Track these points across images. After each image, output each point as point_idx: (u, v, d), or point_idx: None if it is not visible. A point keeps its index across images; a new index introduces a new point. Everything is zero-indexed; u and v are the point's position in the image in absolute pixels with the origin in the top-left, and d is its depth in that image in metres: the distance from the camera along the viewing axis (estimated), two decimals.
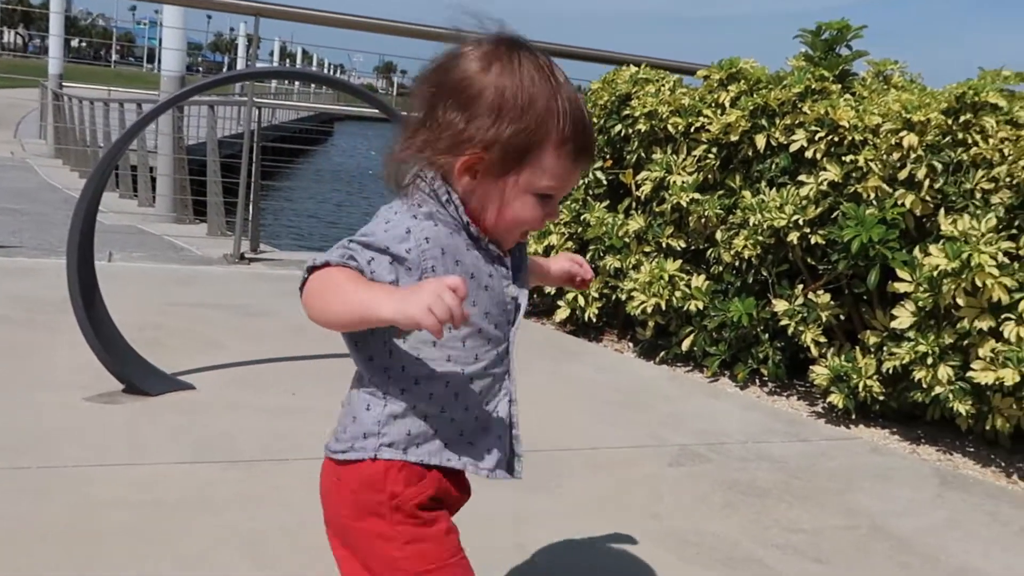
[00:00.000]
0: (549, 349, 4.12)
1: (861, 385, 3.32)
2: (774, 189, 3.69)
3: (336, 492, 1.26)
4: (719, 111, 4.00)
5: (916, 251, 3.21)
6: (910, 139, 3.26)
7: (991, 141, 3.19)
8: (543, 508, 2.44)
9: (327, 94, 33.21)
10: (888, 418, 3.48)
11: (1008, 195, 3.12)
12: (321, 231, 14.20)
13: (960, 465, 3.17)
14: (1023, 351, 2.87)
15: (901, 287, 3.19)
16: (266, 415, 2.94)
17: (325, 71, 40.29)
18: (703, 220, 3.92)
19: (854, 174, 3.43)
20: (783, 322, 3.56)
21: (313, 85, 35.56)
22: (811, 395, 3.73)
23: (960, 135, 3.24)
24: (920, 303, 3.12)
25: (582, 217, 4.38)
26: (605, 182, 4.51)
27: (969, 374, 3.00)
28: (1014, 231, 3.08)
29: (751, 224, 3.63)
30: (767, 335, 3.72)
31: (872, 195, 3.34)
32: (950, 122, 3.26)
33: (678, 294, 3.87)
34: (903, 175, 3.29)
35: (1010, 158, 3.12)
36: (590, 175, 4.44)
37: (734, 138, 3.85)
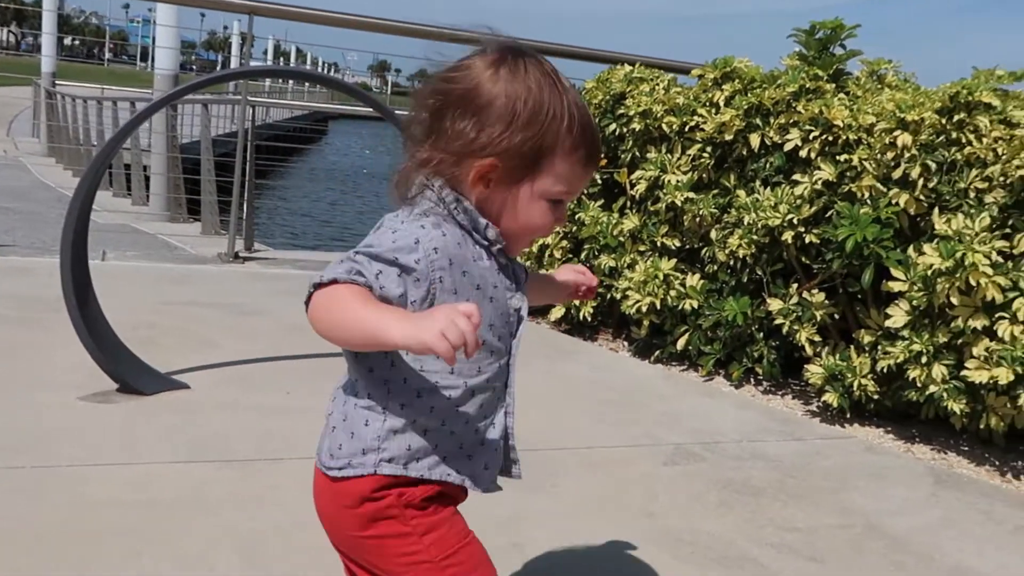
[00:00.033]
0: (544, 348, 4.12)
1: (856, 384, 3.33)
2: (768, 188, 3.69)
3: (338, 513, 1.23)
4: (713, 110, 4.01)
5: (910, 250, 3.21)
6: (904, 138, 3.27)
7: (985, 140, 3.19)
8: (539, 507, 2.44)
9: (321, 93, 33.16)
10: (883, 417, 3.49)
11: (1002, 194, 3.13)
12: (315, 230, 14.19)
13: (954, 464, 3.18)
14: (1017, 350, 2.88)
15: (895, 286, 3.19)
16: (260, 414, 2.94)
17: (319, 70, 40.21)
18: (698, 219, 3.93)
19: (848, 173, 3.43)
20: (778, 321, 3.57)
21: (307, 84, 35.52)
22: (806, 394, 3.73)
23: (954, 134, 3.24)
24: (914, 302, 3.13)
25: (577, 216, 4.38)
26: (600, 181, 4.51)
27: (963, 373, 3.01)
28: (1008, 230, 3.09)
29: (746, 223, 3.64)
30: (762, 334, 3.73)
31: (866, 194, 3.34)
32: (944, 121, 3.26)
33: (673, 293, 3.88)
34: (897, 174, 3.29)
35: (1004, 157, 3.13)
36: None
37: (728, 137, 3.85)
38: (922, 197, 3.27)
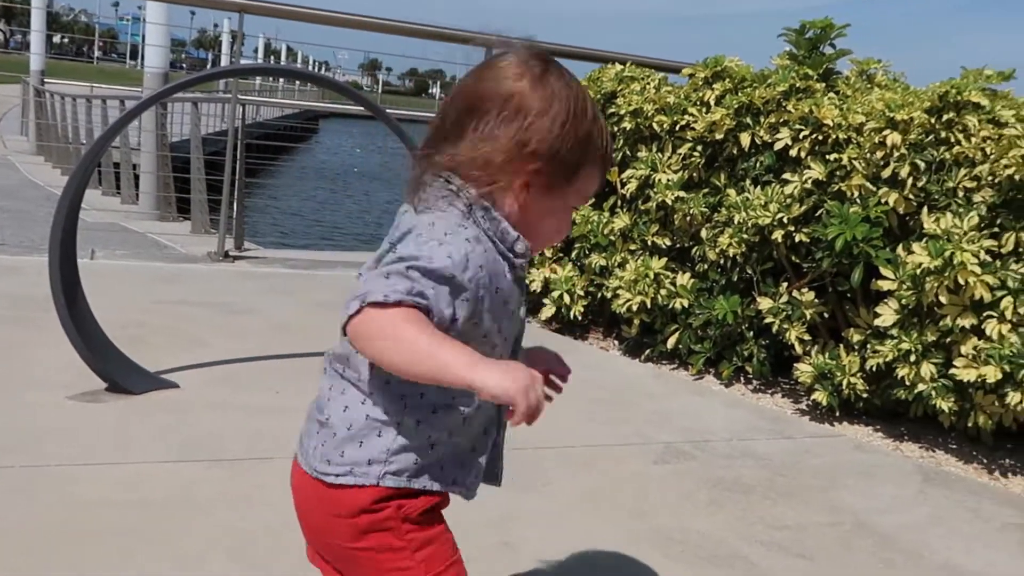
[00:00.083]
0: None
1: (845, 382, 3.34)
2: (759, 187, 3.70)
3: (327, 521, 1.20)
4: (704, 109, 4.01)
5: (899, 249, 3.23)
6: (893, 138, 3.28)
7: (973, 140, 3.21)
8: (530, 507, 2.44)
9: (312, 91, 33.08)
10: (872, 415, 3.50)
11: (990, 194, 3.15)
12: (305, 229, 14.15)
13: (943, 462, 3.19)
14: (1005, 348, 2.90)
15: (885, 285, 3.21)
16: (249, 413, 2.93)
17: (310, 68, 40.12)
18: (688, 218, 3.94)
19: (838, 172, 3.44)
20: (768, 320, 3.58)
21: (298, 82, 35.42)
22: (795, 392, 3.75)
23: (943, 134, 3.26)
24: (903, 301, 3.14)
25: None
26: None
27: (952, 371, 3.02)
28: (996, 229, 3.10)
29: (736, 222, 3.65)
30: (752, 333, 3.74)
31: (856, 193, 3.35)
32: (933, 121, 3.28)
33: (663, 292, 3.88)
34: (886, 173, 3.31)
35: (992, 157, 3.14)
36: None
37: (719, 136, 3.86)
38: (911, 196, 3.28)
